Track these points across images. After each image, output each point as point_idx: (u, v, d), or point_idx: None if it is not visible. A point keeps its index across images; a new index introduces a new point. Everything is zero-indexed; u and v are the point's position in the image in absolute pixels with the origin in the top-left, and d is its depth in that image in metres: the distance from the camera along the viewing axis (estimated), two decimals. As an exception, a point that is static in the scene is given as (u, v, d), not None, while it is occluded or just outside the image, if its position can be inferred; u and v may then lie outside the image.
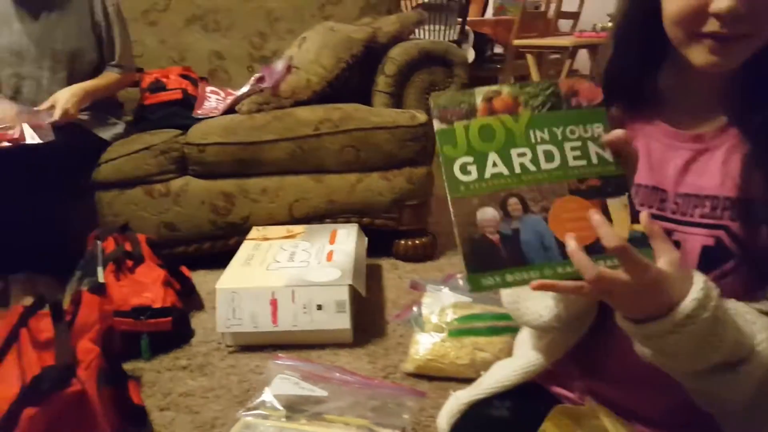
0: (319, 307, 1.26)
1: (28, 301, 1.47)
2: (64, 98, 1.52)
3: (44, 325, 1.03)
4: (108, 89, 1.71)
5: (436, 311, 1.19)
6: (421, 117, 1.64)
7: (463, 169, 0.50)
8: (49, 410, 0.86)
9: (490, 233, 0.50)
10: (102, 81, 1.67)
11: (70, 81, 1.61)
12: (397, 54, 1.71)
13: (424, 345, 1.15)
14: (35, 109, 1.50)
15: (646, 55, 0.62)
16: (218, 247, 1.72)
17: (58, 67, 1.60)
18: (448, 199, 0.50)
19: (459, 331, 1.15)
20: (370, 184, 1.66)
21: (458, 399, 0.72)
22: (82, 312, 1.06)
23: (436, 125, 0.51)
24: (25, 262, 1.49)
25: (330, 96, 1.73)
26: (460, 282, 1.29)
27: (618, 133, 0.51)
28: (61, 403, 0.87)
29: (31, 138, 1.39)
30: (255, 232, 1.60)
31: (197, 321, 1.42)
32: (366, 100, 1.77)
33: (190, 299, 1.49)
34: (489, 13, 4.53)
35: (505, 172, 0.50)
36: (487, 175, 0.50)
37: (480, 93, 0.51)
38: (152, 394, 1.14)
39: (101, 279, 1.32)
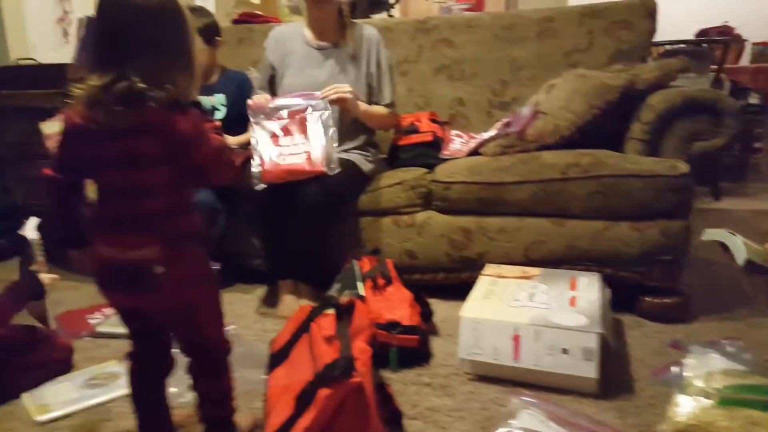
0: (565, 351, 1.28)
1: (291, 301, 1.77)
2: (347, 87, 1.81)
3: (325, 323, 1.24)
4: (374, 118, 1.96)
5: (701, 375, 1.13)
6: (683, 167, 1.59)
7: None
8: (339, 394, 1.03)
9: None
10: (375, 108, 1.95)
11: (342, 120, 1.92)
12: (658, 101, 1.69)
13: (687, 408, 1.09)
14: (318, 94, 1.80)
15: None
16: (451, 279, 1.85)
17: (334, 108, 1.92)
18: None
19: (731, 400, 1.07)
20: (617, 234, 1.64)
21: None
22: (356, 316, 1.25)
23: None
24: (293, 270, 1.80)
25: (577, 142, 1.77)
26: (729, 349, 1.21)
27: None
28: (346, 391, 1.04)
29: (329, 168, 1.70)
30: (490, 268, 1.69)
31: (433, 345, 1.54)
32: (616, 147, 1.77)
33: (428, 324, 1.63)
34: (745, 60, 4.13)
35: None
36: None
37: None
38: (401, 403, 1.27)
39: (361, 292, 1.53)
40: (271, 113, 1.79)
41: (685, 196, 1.58)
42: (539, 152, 1.77)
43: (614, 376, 1.34)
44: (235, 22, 2.79)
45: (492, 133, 1.91)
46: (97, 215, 0.96)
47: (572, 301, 1.42)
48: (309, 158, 1.71)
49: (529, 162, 1.74)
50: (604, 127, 1.77)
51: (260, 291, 1.98)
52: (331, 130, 1.77)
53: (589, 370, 1.26)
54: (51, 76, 2.40)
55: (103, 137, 0.90)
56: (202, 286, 1.00)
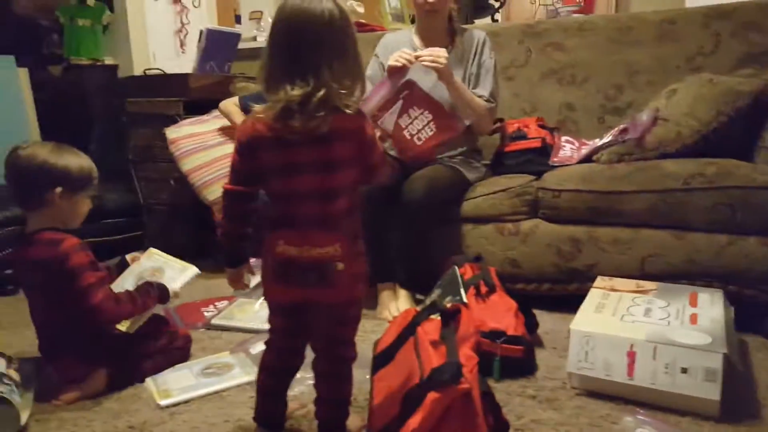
0: (684, 371, 1.25)
1: (390, 304, 1.85)
2: (446, 55, 1.82)
3: (430, 328, 1.29)
4: (471, 104, 1.92)
5: None
6: (825, 179, 1.50)
7: None
8: (447, 399, 1.07)
9: None
10: (471, 94, 1.94)
11: None
12: (796, 108, 1.61)
13: (827, 441, 1.04)
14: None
15: None
16: (557, 290, 1.85)
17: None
18: None
19: None
20: (744, 249, 1.57)
21: None
22: (463, 323, 1.29)
23: None
24: (392, 273, 1.88)
25: (701, 150, 1.72)
26: None
27: None
28: (454, 396, 1.07)
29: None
30: (601, 281, 1.66)
31: (538, 357, 1.55)
32: (744, 156, 1.70)
33: (532, 335, 1.64)
34: None
35: None
36: None
37: None
38: (505, 414, 1.30)
39: (464, 299, 1.57)
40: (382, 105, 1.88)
41: (830, 212, 1.49)
42: (659, 161, 1.73)
43: (738, 400, 1.29)
44: (341, 30, 2.93)
45: (607, 139, 1.89)
46: (277, 217, 1.03)
47: (693, 319, 1.38)
48: (437, 125, 1.82)
49: (648, 170, 1.71)
50: (731, 135, 1.70)
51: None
52: (439, 85, 1.85)
53: (712, 392, 1.22)
54: (172, 84, 2.68)
55: (294, 144, 0.97)
56: (364, 282, 1.09)
